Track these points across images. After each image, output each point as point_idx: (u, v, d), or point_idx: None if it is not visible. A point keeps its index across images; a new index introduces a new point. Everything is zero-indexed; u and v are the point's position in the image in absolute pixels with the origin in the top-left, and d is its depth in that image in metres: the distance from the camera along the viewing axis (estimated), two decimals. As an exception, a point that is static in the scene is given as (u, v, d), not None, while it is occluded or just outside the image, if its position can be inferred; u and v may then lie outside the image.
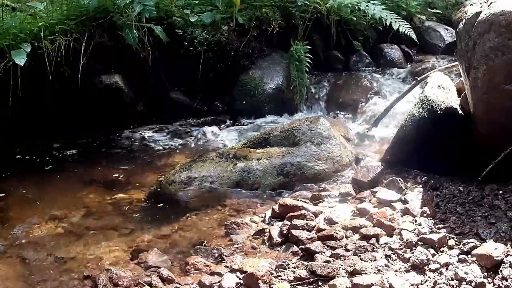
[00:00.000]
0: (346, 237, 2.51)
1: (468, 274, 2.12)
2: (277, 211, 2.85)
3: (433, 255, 2.28)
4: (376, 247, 2.41)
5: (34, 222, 2.98)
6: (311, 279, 2.24)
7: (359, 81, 4.99)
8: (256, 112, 4.68)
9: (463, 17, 2.89)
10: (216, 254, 2.54)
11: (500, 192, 2.68)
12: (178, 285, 2.32)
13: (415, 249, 2.33)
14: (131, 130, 4.40)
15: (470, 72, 2.79)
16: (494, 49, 2.64)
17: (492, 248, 2.18)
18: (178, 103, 4.70)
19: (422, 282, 2.15)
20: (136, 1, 4.25)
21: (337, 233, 2.51)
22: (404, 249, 2.36)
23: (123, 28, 4.30)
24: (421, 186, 2.94)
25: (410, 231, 2.47)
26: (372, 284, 2.13)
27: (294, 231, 2.58)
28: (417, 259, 2.25)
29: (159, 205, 3.18)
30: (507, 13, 2.60)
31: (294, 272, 2.30)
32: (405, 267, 2.26)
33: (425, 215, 2.61)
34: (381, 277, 2.18)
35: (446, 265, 2.21)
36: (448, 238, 2.36)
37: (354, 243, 2.45)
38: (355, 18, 5.42)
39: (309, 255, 2.43)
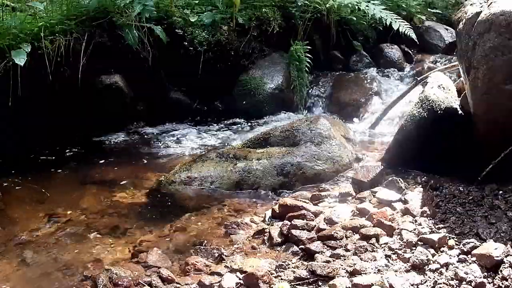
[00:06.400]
0: (346, 237, 2.51)
1: (468, 274, 2.12)
2: (277, 211, 2.85)
3: (433, 255, 2.28)
4: (376, 247, 2.41)
5: (34, 222, 2.97)
6: (311, 279, 2.24)
7: (359, 81, 4.99)
8: (256, 112, 4.68)
9: (463, 17, 2.89)
10: (216, 254, 2.54)
11: (500, 192, 2.68)
12: (178, 285, 2.32)
13: (415, 249, 2.33)
14: (131, 130, 4.41)
15: (470, 72, 2.78)
16: (494, 49, 2.64)
17: (492, 248, 2.18)
18: (178, 103, 4.70)
19: (422, 282, 2.15)
20: (136, 1, 4.25)
21: (337, 233, 2.51)
22: (404, 249, 2.36)
23: (123, 28, 4.30)
24: (421, 186, 2.94)
25: (410, 231, 2.47)
26: (372, 284, 2.13)
27: (294, 231, 2.58)
28: (417, 259, 2.25)
29: (159, 205, 3.18)
30: (507, 13, 2.60)
31: (294, 272, 2.30)
32: (405, 267, 2.25)
33: (425, 215, 2.61)
34: (381, 277, 2.18)
35: (446, 265, 2.21)
36: (448, 238, 2.36)
37: (354, 243, 2.44)
38: (355, 18, 5.43)
39: (309, 255, 2.42)
